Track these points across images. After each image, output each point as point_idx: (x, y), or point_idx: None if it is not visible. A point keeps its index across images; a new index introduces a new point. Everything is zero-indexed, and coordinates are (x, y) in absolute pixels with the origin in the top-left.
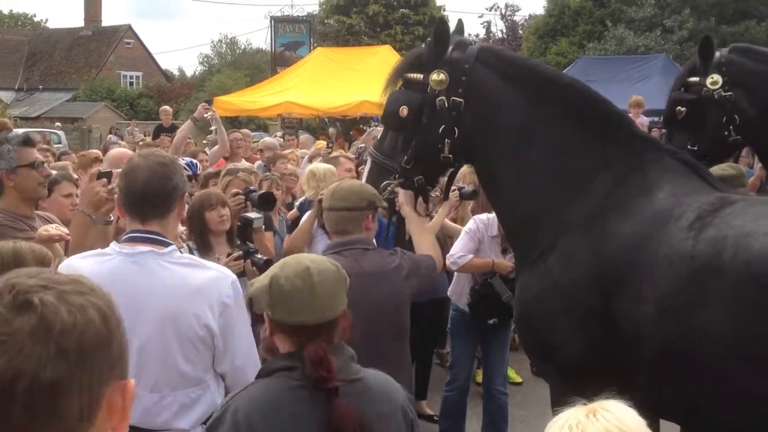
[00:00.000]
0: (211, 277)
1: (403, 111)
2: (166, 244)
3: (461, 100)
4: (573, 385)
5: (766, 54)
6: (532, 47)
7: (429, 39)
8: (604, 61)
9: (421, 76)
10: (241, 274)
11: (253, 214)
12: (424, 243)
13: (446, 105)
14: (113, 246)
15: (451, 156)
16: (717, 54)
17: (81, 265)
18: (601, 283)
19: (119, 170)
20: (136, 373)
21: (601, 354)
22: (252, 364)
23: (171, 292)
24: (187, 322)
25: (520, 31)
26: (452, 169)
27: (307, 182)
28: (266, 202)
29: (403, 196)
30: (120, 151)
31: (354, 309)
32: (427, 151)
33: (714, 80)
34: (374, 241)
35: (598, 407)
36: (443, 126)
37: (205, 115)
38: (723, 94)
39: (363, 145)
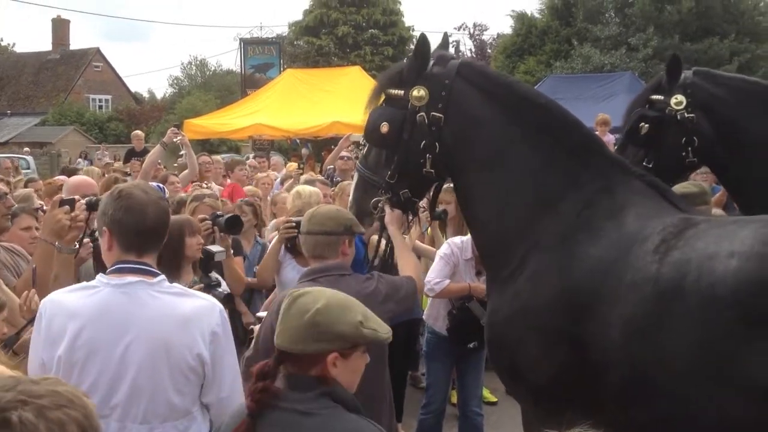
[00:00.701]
0: (201, 306)
1: (384, 127)
2: (155, 274)
3: (440, 115)
4: (544, 405)
5: (727, 79)
6: (500, 66)
7: (410, 54)
8: (571, 79)
9: (402, 92)
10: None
11: (215, 247)
12: (407, 263)
13: (426, 121)
14: (100, 278)
15: (433, 171)
16: (682, 75)
17: (67, 299)
18: (568, 305)
19: (86, 197)
20: (126, 404)
21: (571, 376)
22: (237, 395)
23: (162, 321)
24: (180, 353)
25: (489, 50)
26: (437, 185)
27: (292, 202)
28: (233, 226)
29: (389, 216)
30: (81, 178)
31: None
32: (409, 166)
33: (678, 100)
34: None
35: None
36: (424, 141)
37: (174, 140)
38: (686, 115)
39: (331, 166)
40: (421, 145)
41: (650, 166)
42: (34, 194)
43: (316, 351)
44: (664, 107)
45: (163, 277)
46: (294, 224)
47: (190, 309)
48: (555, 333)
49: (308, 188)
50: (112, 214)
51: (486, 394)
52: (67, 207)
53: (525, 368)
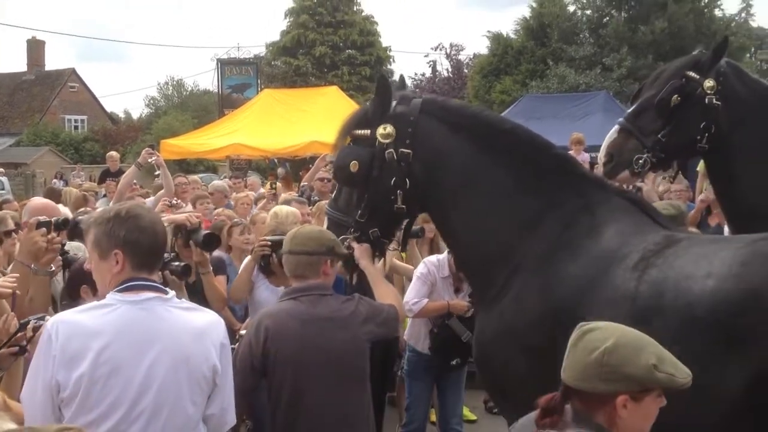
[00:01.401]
0: (211, 320)
1: (354, 166)
2: (166, 291)
3: (409, 151)
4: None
5: (749, 78)
6: (477, 86)
7: (372, 97)
8: (547, 98)
9: (369, 131)
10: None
11: None
12: (384, 293)
13: (395, 157)
14: (113, 296)
15: (404, 207)
16: (721, 62)
17: (83, 319)
18: (551, 324)
19: (57, 218)
20: (149, 417)
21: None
22: (232, 404)
23: (181, 335)
24: (198, 364)
25: (465, 70)
26: (408, 220)
27: (269, 222)
28: (210, 243)
29: (358, 251)
30: (43, 202)
31: (311, 354)
32: (380, 203)
33: (711, 85)
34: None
35: None
36: (394, 178)
37: (149, 160)
38: (714, 101)
39: (306, 183)
40: (392, 182)
41: (664, 140)
42: (8, 216)
43: (604, 391)
44: (696, 87)
45: (174, 293)
46: (269, 243)
47: (202, 322)
48: (540, 351)
49: (285, 208)
50: (126, 236)
51: (466, 412)
52: (44, 229)
53: (512, 386)
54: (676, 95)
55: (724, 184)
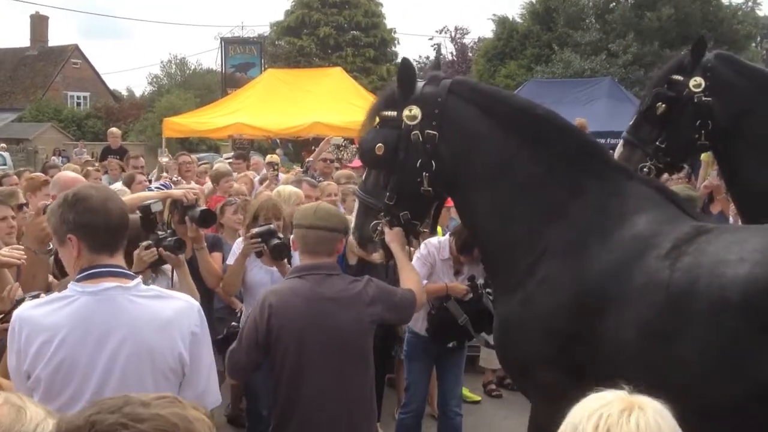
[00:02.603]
0: (180, 308)
1: (380, 149)
2: (130, 277)
3: (435, 132)
4: (553, 402)
5: (745, 67)
6: (481, 70)
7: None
8: (552, 83)
9: (395, 113)
10: (160, 263)
11: (148, 201)
12: (408, 278)
13: (420, 139)
14: (73, 286)
15: (430, 189)
16: (704, 57)
17: (39, 314)
18: (582, 309)
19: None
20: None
21: (583, 376)
22: (211, 386)
23: (143, 326)
24: (162, 356)
25: (470, 54)
26: (437, 203)
27: (255, 203)
28: (206, 220)
29: (389, 235)
30: (68, 175)
31: (313, 332)
32: (407, 186)
33: (697, 83)
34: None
35: (636, 406)
36: (420, 160)
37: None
38: (703, 98)
39: (311, 160)
40: (418, 164)
41: (663, 146)
42: (18, 191)
43: None
44: (682, 89)
45: (138, 280)
46: (258, 239)
47: (170, 312)
48: (569, 334)
49: (288, 188)
50: (76, 219)
51: (468, 393)
52: None
53: (538, 369)
54: (659, 103)
55: (733, 175)
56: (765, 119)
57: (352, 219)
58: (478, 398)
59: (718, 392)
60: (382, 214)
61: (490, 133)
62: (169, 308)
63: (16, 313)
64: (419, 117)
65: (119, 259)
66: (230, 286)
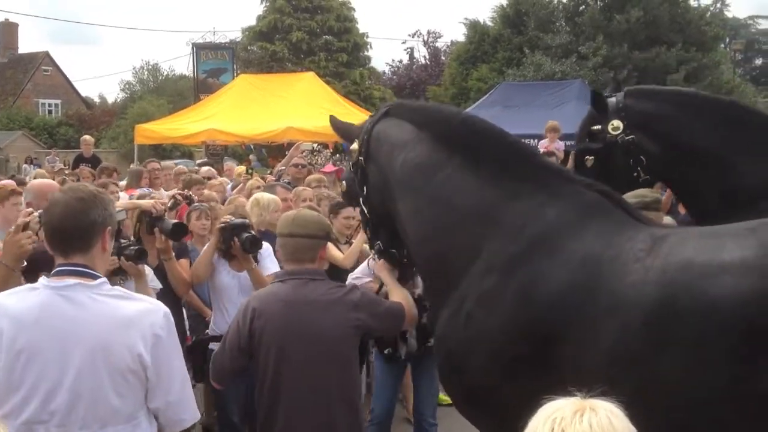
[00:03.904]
0: (143, 309)
1: (342, 186)
2: (95, 277)
3: (361, 158)
4: (507, 428)
5: (658, 93)
6: (454, 73)
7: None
8: (523, 86)
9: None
10: (119, 272)
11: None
12: (396, 297)
13: (354, 168)
14: (42, 280)
15: (367, 213)
16: (613, 100)
17: (7, 302)
18: (532, 331)
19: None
20: (66, 409)
21: (535, 399)
22: (186, 400)
23: (101, 324)
24: (119, 354)
25: (443, 58)
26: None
27: (251, 210)
28: (177, 233)
29: (375, 267)
30: (43, 182)
31: (292, 336)
32: (365, 215)
33: (615, 126)
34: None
35: (588, 407)
36: (360, 188)
37: None
38: (625, 138)
39: (283, 167)
40: (363, 192)
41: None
42: None
43: None
44: (603, 136)
45: (103, 280)
46: (231, 228)
47: (132, 311)
48: (519, 358)
49: (267, 196)
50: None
51: (441, 396)
52: (29, 231)
53: (483, 394)
54: (586, 157)
55: (688, 199)
56: (699, 132)
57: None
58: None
59: (704, 415)
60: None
61: (418, 143)
62: (131, 308)
63: None
64: (356, 149)
65: (88, 260)
66: (198, 271)
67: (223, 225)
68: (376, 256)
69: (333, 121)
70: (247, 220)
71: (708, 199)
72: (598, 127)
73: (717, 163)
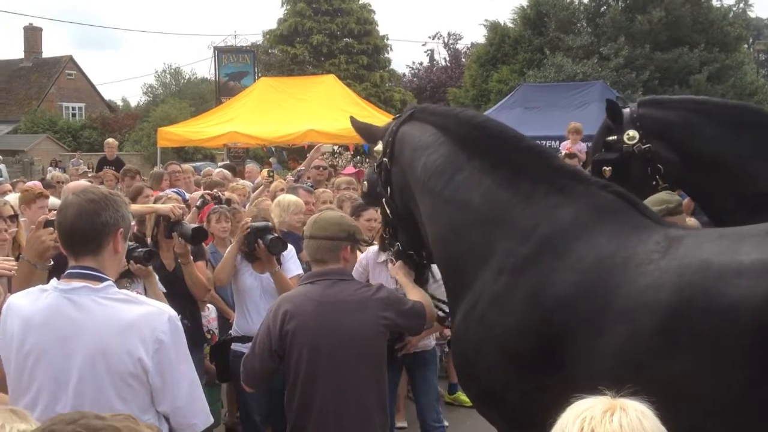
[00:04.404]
0: (146, 313)
1: (364, 186)
2: (102, 280)
3: (386, 159)
4: (521, 429)
5: (670, 101)
6: (474, 75)
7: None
8: (544, 88)
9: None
10: (127, 274)
11: None
12: (415, 297)
13: (378, 169)
14: (53, 282)
15: (390, 214)
16: (627, 110)
17: (21, 303)
18: (541, 330)
19: None
20: (73, 409)
21: (547, 399)
22: (196, 404)
23: (102, 328)
24: (119, 359)
25: (463, 59)
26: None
27: (272, 211)
28: (197, 237)
29: (392, 269)
30: (78, 184)
31: (325, 335)
32: (386, 217)
33: (631, 135)
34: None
35: (618, 406)
36: (383, 189)
37: None
38: (642, 147)
39: (302, 168)
40: (386, 193)
41: None
42: (9, 202)
43: None
44: (620, 147)
45: (109, 282)
46: (249, 225)
47: (135, 315)
48: (528, 358)
49: (289, 197)
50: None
51: (464, 398)
52: (51, 228)
53: (496, 394)
54: (603, 167)
55: (706, 205)
56: (712, 138)
57: None
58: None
59: (718, 419)
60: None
61: (439, 146)
62: (133, 312)
63: (6, 302)
64: (380, 150)
65: (99, 262)
66: (221, 275)
67: (247, 227)
68: (393, 257)
69: (354, 122)
70: (270, 223)
71: (725, 204)
72: (614, 137)
73: (732, 168)
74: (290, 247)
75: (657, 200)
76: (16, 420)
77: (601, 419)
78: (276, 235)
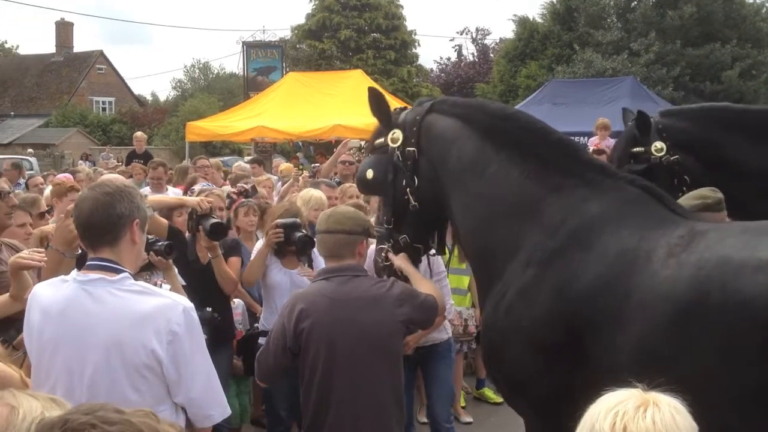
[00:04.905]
0: (160, 304)
1: (369, 173)
2: (118, 271)
3: (413, 149)
4: (548, 419)
5: (694, 111)
6: (502, 70)
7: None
8: (573, 83)
9: (383, 139)
10: (149, 267)
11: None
12: (424, 288)
13: (401, 158)
14: (73, 273)
15: (417, 204)
16: (652, 121)
17: (43, 292)
18: (567, 324)
19: None
20: (89, 399)
21: (572, 391)
22: (212, 396)
23: (117, 319)
24: (133, 350)
25: (491, 55)
26: (438, 225)
27: (285, 204)
28: (217, 232)
29: (395, 258)
30: (110, 177)
31: (341, 331)
32: (399, 207)
33: (658, 147)
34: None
35: (651, 402)
36: (404, 179)
37: None
38: (670, 158)
39: (317, 165)
40: (403, 182)
41: None
42: (42, 198)
43: None
44: (648, 157)
45: (126, 274)
46: (281, 230)
47: (149, 307)
48: (554, 349)
49: (311, 192)
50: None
51: (489, 394)
52: None
53: (524, 383)
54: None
55: (734, 212)
56: (736, 147)
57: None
58: (501, 400)
59: (732, 413)
60: (390, 241)
61: (468, 139)
62: (148, 304)
63: (33, 288)
64: (401, 139)
65: (116, 254)
66: (251, 275)
67: (278, 232)
68: (391, 249)
69: (374, 96)
70: (298, 219)
71: (753, 212)
72: (641, 149)
73: (758, 176)
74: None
75: (696, 195)
76: (55, 408)
77: (633, 415)
78: (304, 232)
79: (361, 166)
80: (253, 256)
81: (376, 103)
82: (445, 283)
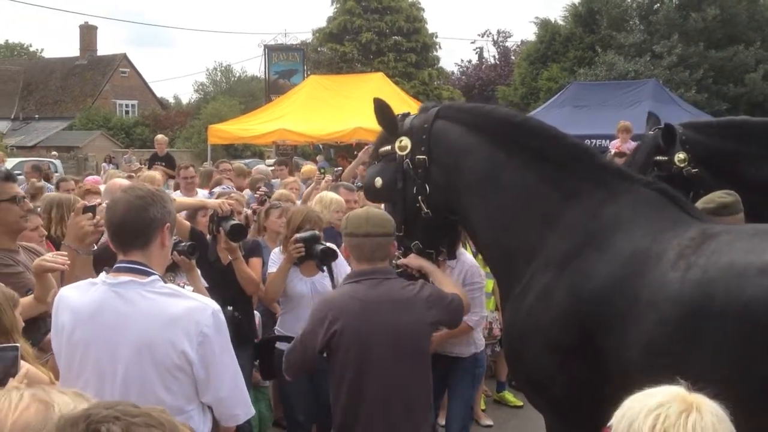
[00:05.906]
0: (190, 307)
1: (378, 182)
2: (148, 274)
3: (424, 157)
4: (567, 418)
5: (714, 125)
6: (523, 73)
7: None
8: (595, 86)
9: (390, 146)
10: (172, 268)
11: None
12: (447, 286)
13: (411, 166)
14: (102, 275)
15: (429, 212)
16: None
17: (71, 295)
18: (580, 323)
19: (104, 203)
20: (121, 399)
21: (589, 390)
22: (239, 396)
23: (148, 321)
24: (164, 351)
25: (512, 57)
26: (450, 231)
27: (315, 208)
28: (236, 234)
29: (410, 260)
30: (114, 181)
31: (372, 334)
32: (410, 214)
33: (681, 158)
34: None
35: (694, 408)
36: (415, 186)
37: None
38: (692, 171)
39: (340, 168)
40: (414, 190)
41: None
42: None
43: None
44: (670, 166)
45: (156, 277)
46: (302, 246)
47: (180, 309)
48: (569, 349)
49: (330, 195)
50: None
51: (509, 397)
52: (90, 214)
53: (542, 383)
54: None
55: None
56: (756, 164)
57: None
58: (521, 403)
59: (739, 412)
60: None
61: (478, 146)
62: (178, 306)
63: (60, 291)
64: (409, 146)
65: (146, 257)
66: (272, 293)
67: (298, 247)
68: (401, 256)
69: (380, 106)
70: (316, 232)
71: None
72: (664, 158)
73: None
74: (336, 249)
75: (713, 198)
76: (83, 402)
77: (675, 421)
78: (325, 245)
79: (368, 174)
80: (270, 268)
81: (381, 112)
82: (478, 294)
